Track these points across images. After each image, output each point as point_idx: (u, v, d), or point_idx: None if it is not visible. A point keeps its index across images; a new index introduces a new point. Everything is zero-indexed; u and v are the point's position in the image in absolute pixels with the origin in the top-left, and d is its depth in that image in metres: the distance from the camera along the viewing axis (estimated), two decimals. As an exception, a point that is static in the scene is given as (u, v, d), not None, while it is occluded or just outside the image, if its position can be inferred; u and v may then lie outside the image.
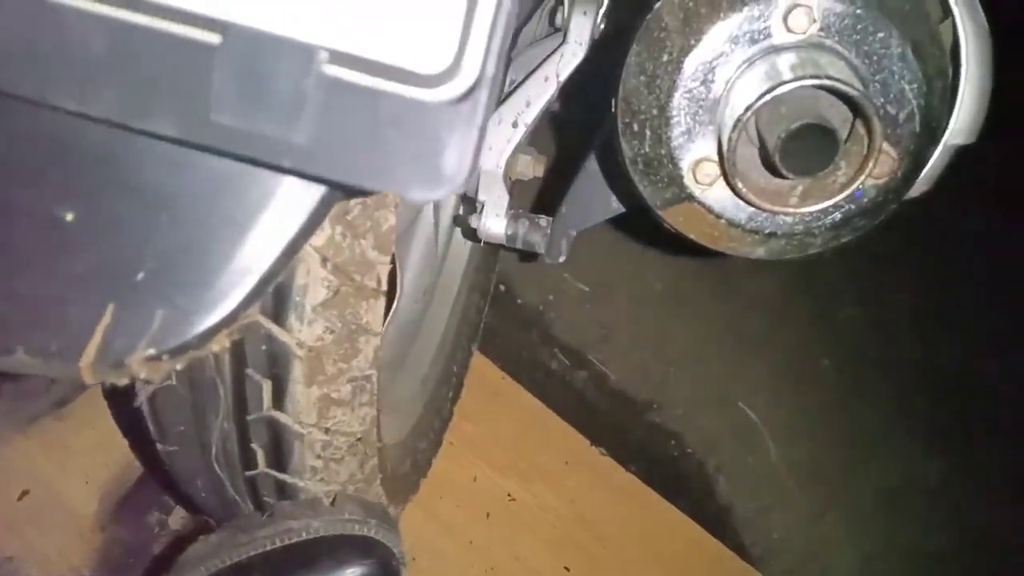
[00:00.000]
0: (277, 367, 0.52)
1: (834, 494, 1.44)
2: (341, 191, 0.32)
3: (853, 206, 0.47)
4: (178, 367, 0.32)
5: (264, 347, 0.51)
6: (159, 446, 0.61)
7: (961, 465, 1.58)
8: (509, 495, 1.14)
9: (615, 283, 1.52)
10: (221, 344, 0.33)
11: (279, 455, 0.58)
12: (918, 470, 1.55)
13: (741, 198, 0.46)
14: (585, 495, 1.19)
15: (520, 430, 1.21)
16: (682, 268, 1.57)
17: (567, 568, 1.10)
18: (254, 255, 0.33)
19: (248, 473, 0.60)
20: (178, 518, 0.92)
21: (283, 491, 0.61)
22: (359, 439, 0.61)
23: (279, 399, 0.54)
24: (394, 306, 0.95)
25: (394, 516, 0.90)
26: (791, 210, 0.47)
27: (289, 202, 0.33)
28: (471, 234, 0.79)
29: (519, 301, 1.42)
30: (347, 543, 0.62)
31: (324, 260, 0.49)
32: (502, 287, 1.41)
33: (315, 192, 0.32)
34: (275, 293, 0.49)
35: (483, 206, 0.77)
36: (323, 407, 0.56)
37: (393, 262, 0.90)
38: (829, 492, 1.44)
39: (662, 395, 1.44)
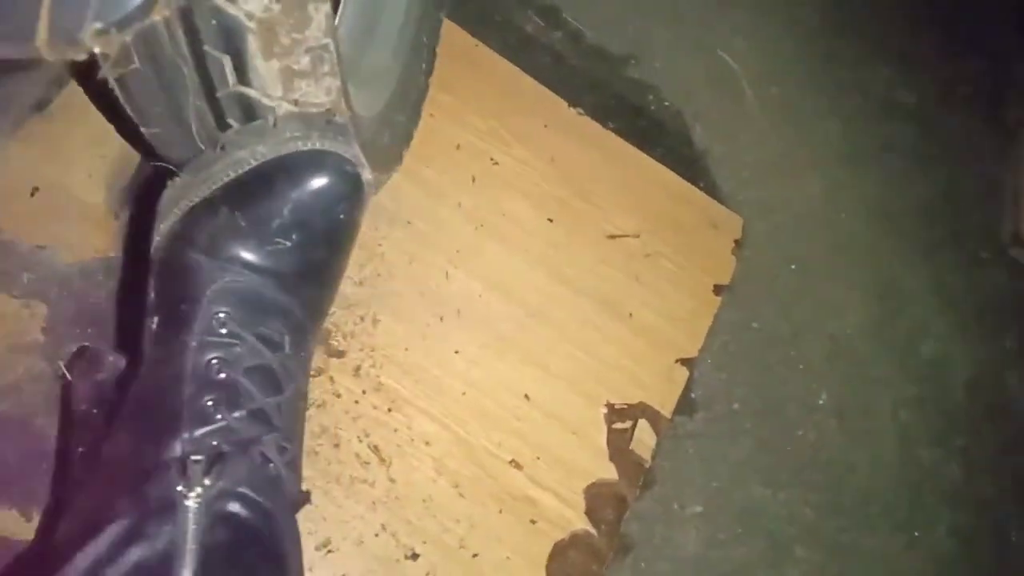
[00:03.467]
0: (232, 41, 0.54)
1: (807, 131, 1.51)
2: None
3: None
4: (127, 39, 0.34)
5: (214, 21, 0.52)
6: (143, 130, 0.64)
7: (934, 88, 1.62)
8: (492, 159, 1.19)
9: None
10: (161, 13, 0.34)
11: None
12: (892, 97, 1.59)
13: None
14: (565, 153, 1.24)
15: (498, 96, 1.23)
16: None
17: (550, 220, 1.19)
18: (171, -82, 0.33)
19: (231, 148, 0.64)
20: (184, 202, 0.99)
21: (267, 162, 0.66)
22: (328, 109, 0.64)
23: (242, 74, 0.56)
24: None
25: (381, 183, 0.97)
26: None
27: None
28: None
29: (488, -39, 1.34)
30: (296, 160, 0.63)
31: (256, -77, 0.48)
32: (469, -53, 1.32)
33: None
34: (213, -36, 0.49)
35: None
36: (286, 79, 0.58)
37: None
38: (801, 129, 1.50)
39: (640, 49, 1.44)
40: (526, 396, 1.08)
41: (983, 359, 1.43)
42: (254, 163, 0.63)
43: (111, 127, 0.95)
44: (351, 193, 0.66)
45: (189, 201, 0.64)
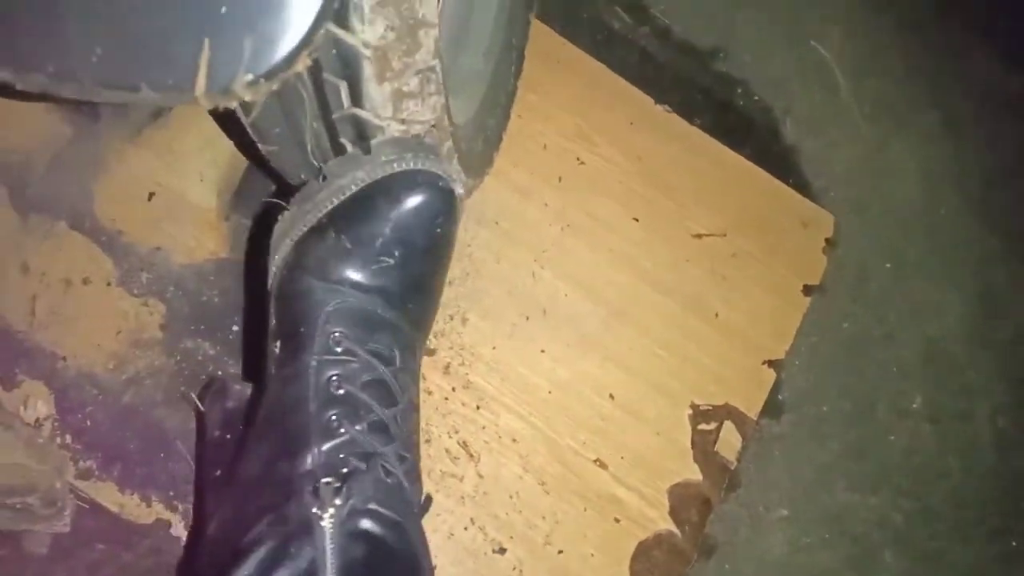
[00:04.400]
0: (349, 68, 0.56)
1: (902, 122, 1.45)
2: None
3: None
4: (274, 88, 0.37)
5: (334, 51, 0.55)
6: (261, 147, 0.68)
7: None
8: (578, 158, 1.20)
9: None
10: (304, 64, 0.37)
11: (365, 146, 0.65)
12: (996, 88, 1.52)
13: None
14: (651, 152, 1.24)
15: (585, 95, 1.23)
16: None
17: (636, 219, 1.19)
18: (316, -24, 0.35)
19: (342, 164, 0.68)
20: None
21: (375, 177, 0.69)
22: (433, 126, 0.66)
23: (357, 97, 0.59)
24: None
25: (474, 188, 0.99)
26: None
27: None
28: None
29: (575, -42, 1.34)
30: (393, 182, 0.66)
31: (374, -41, 0.50)
32: (554, -55, 1.33)
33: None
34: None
35: None
36: (396, 100, 0.61)
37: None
38: (897, 121, 1.45)
39: (728, 42, 1.41)
40: (611, 396, 1.10)
41: (1090, 365, 1.36)
42: (354, 188, 0.66)
43: (221, 133, 1.00)
44: (446, 207, 0.69)
45: (298, 231, 0.69)
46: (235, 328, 0.97)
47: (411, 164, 0.66)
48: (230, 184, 1.01)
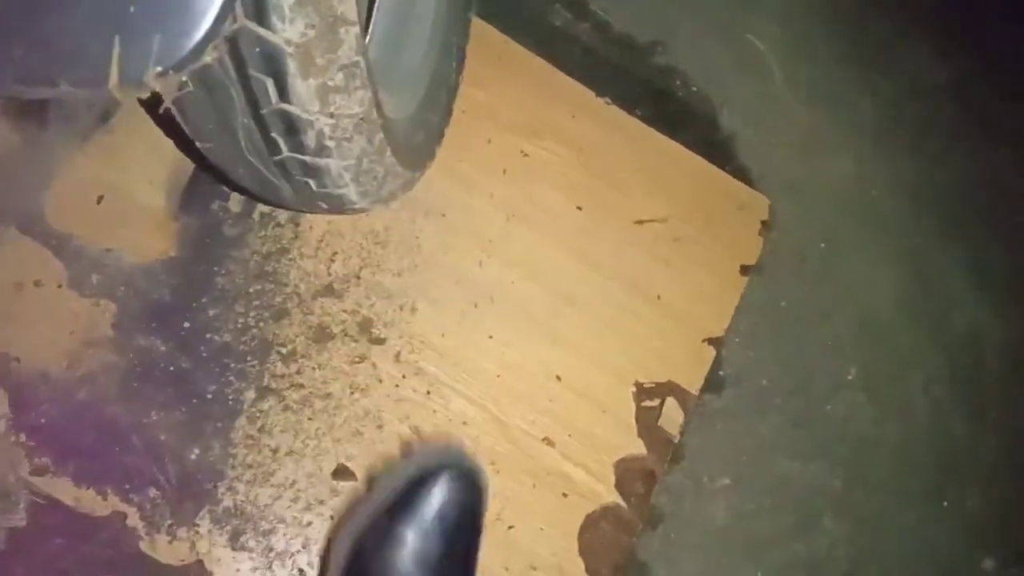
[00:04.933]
0: (274, 65, 0.60)
1: (838, 111, 1.51)
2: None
3: None
4: (183, 78, 0.41)
5: (258, 49, 0.58)
6: (197, 144, 0.71)
7: (973, 66, 1.60)
8: (522, 151, 1.24)
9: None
10: (212, 55, 0.41)
11: (296, 141, 0.68)
12: (926, 75, 1.59)
13: None
14: (593, 142, 1.28)
15: (527, 90, 1.28)
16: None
17: (579, 207, 1.24)
18: (218, -25, 0.39)
19: (276, 158, 0.71)
20: (236, 202, 1.07)
21: (308, 170, 0.73)
22: (362, 119, 0.70)
23: (283, 93, 0.62)
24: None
25: (416, 180, 1.03)
26: None
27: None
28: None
29: (515, -43, 1.38)
30: (427, 478, 0.84)
31: (289, -39, 0.54)
32: (495, -55, 1.36)
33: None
34: (254, 1, 0.55)
35: None
36: (322, 95, 0.64)
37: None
38: (831, 108, 1.50)
39: (666, 35, 1.46)
40: (557, 377, 1.14)
41: (1018, 333, 1.43)
42: (397, 492, 0.84)
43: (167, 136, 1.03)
44: (475, 485, 0.88)
45: (358, 525, 0.86)
46: (186, 325, 1.00)
47: (438, 460, 0.85)
48: (178, 185, 1.04)
